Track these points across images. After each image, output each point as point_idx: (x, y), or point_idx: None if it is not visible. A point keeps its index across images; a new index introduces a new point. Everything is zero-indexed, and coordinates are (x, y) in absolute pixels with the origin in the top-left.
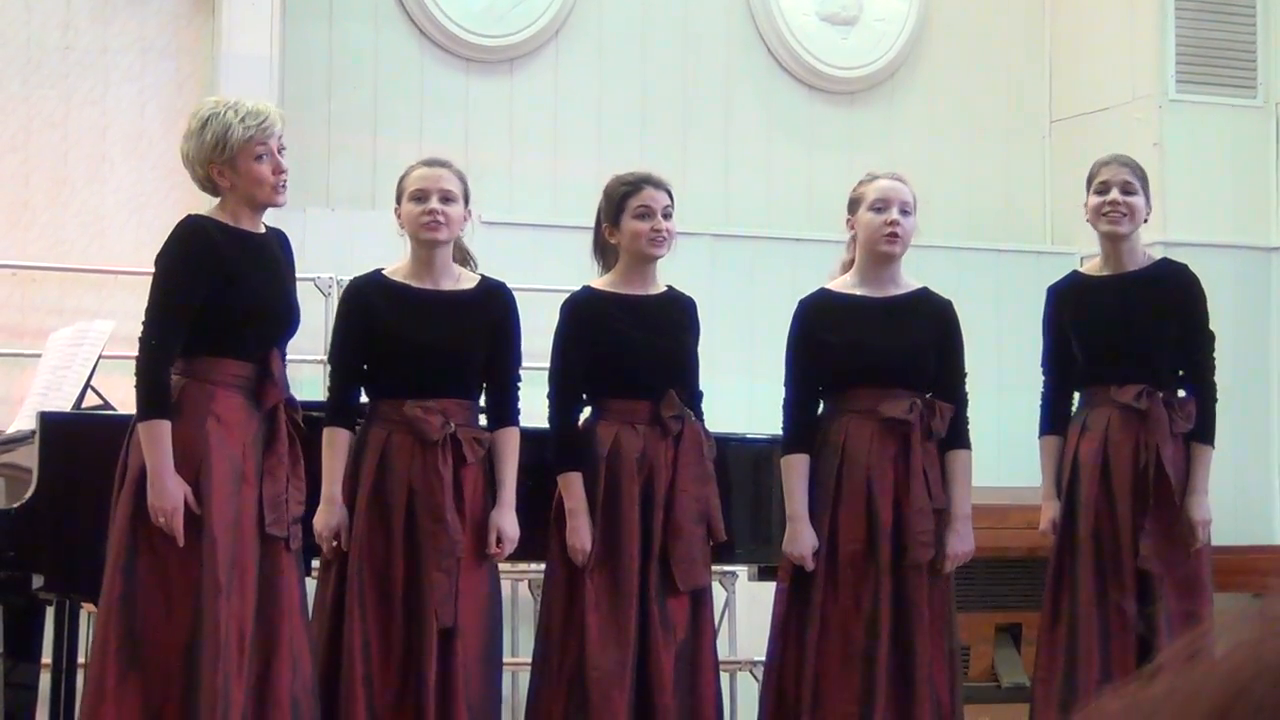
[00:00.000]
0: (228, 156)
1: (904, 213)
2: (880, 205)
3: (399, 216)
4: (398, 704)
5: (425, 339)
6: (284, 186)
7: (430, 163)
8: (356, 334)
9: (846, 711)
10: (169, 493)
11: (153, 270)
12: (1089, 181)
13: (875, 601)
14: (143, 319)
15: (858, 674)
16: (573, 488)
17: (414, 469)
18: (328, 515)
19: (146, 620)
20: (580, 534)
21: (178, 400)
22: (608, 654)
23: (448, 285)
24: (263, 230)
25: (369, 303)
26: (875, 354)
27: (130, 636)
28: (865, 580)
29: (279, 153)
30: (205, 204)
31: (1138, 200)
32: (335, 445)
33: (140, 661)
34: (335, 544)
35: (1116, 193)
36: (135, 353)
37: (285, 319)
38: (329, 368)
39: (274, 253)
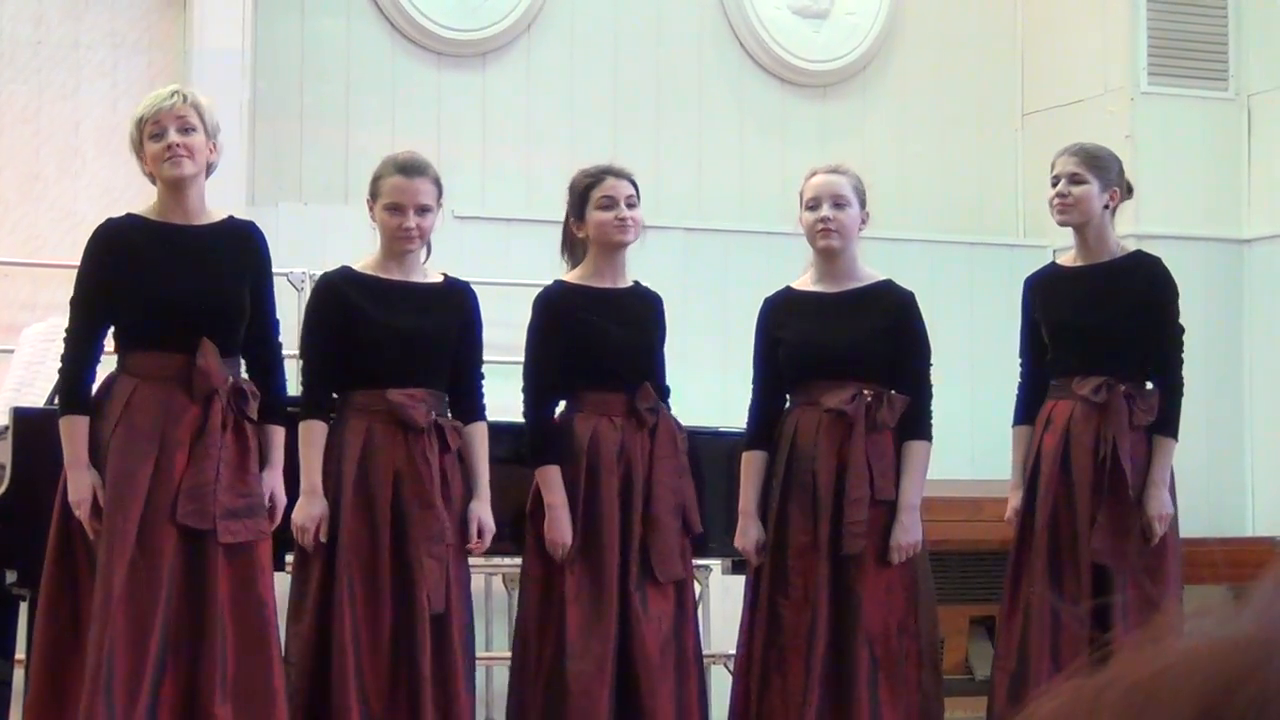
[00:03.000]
0: (136, 141)
1: (837, 206)
2: (812, 203)
3: (372, 211)
4: (390, 693)
5: (404, 326)
6: (176, 158)
7: (407, 170)
8: (332, 325)
9: (794, 701)
10: (78, 485)
11: None
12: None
13: (816, 590)
14: None
15: (803, 662)
16: (551, 481)
17: (399, 456)
18: (309, 507)
19: (86, 612)
20: (560, 527)
21: (105, 394)
22: (588, 648)
23: (416, 278)
24: (201, 222)
25: (342, 294)
26: (821, 348)
27: (71, 629)
28: (812, 572)
29: (181, 129)
30: None
31: (1085, 189)
32: (313, 438)
33: (82, 652)
34: (316, 537)
35: (1063, 184)
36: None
37: (214, 311)
38: (301, 361)
39: (210, 245)
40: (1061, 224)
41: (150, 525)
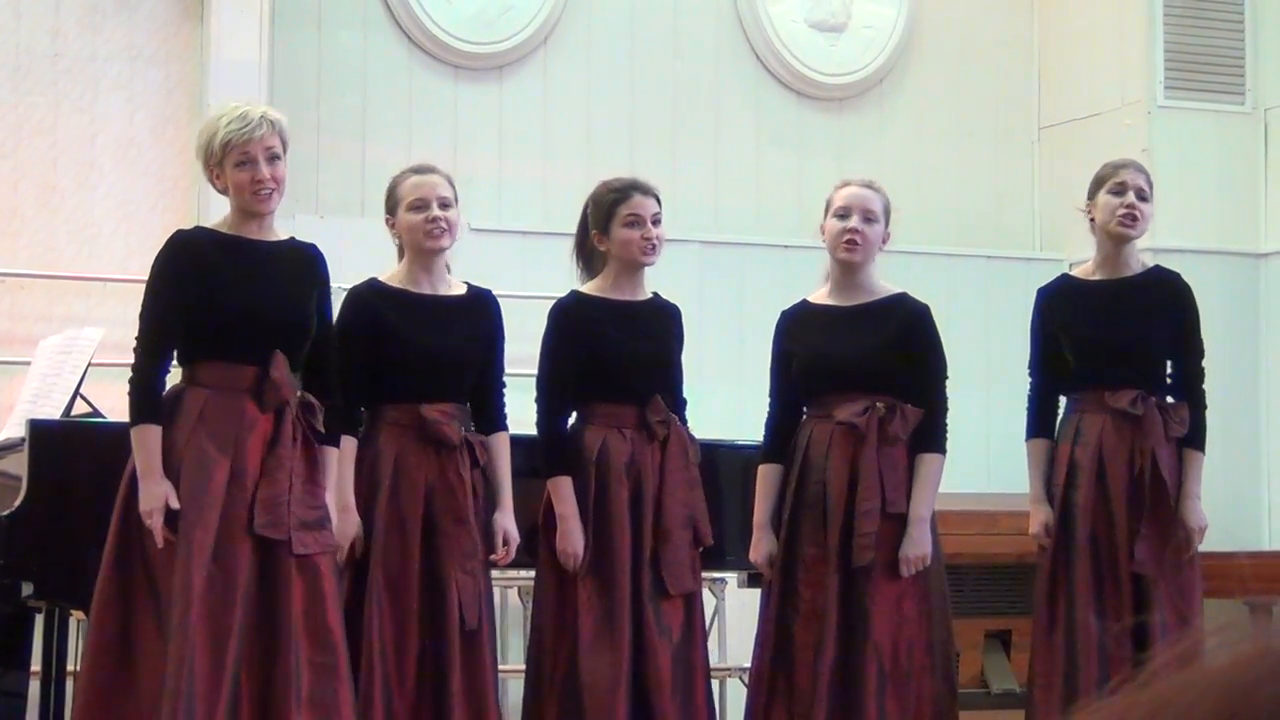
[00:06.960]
0: (216, 160)
1: (867, 220)
2: (842, 212)
3: (393, 226)
4: (416, 707)
5: (435, 343)
6: (264, 194)
7: (421, 170)
8: (363, 341)
9: (799, 713)
10: (151, 494)
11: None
12: (1100, 182)
13: (825, 602)
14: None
15: (809, 675)
16: (563, 492)
17: (431, 473)
18: (344, 524)
19: (138, 624)
20: (571, 538)
21: (176, 404)
22: (601, 659)
23: (443, 290)
24: (274, 238)
25: (373, 309)
26: (832, 360)
27: (122, 639)
28: (821, 585)
29: (269, 159)
30: (193, 210)
31: (1149, 208)
32: (346, 453)
33: (132, 665)
34: (350, 551)
35: (1132, 196)
36: (125, 360)
37: (286, 324)
38: None
39: (281, 261)
40: (1128, 237)
41: (226, 537)
